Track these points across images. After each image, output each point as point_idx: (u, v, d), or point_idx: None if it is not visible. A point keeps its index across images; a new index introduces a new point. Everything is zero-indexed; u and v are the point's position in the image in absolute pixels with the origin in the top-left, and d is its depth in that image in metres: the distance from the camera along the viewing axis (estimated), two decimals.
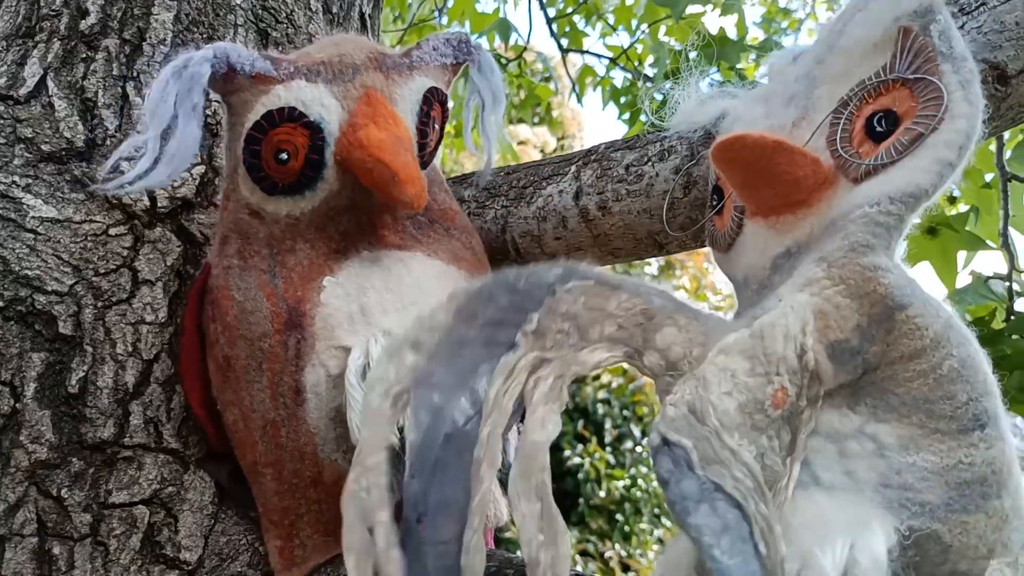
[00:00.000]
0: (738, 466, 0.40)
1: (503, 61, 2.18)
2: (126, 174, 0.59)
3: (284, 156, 0.61)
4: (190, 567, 0.66)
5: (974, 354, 0.43)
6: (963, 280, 1.03)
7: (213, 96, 0.64)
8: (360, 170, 0.60)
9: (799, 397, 0.43)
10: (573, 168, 0.74)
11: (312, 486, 0.63)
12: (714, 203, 0.61)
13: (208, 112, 0.76)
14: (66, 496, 0.65)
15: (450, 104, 0.71)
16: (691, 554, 0.42)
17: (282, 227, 0.64)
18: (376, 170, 0.59)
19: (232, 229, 0.64)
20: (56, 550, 0.64)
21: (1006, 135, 1.00)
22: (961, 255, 1.04)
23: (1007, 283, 0.96)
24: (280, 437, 0.62)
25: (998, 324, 0.95)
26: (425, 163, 0.67)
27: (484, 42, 2.26)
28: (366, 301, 0.62)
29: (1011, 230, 0.98)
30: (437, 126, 0.68)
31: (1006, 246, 0.97)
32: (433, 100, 0.67)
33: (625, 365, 0.48)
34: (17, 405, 0.65)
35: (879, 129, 0.49)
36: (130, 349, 0.68)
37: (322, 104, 0.61)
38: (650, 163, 0.70)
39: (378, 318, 0.62)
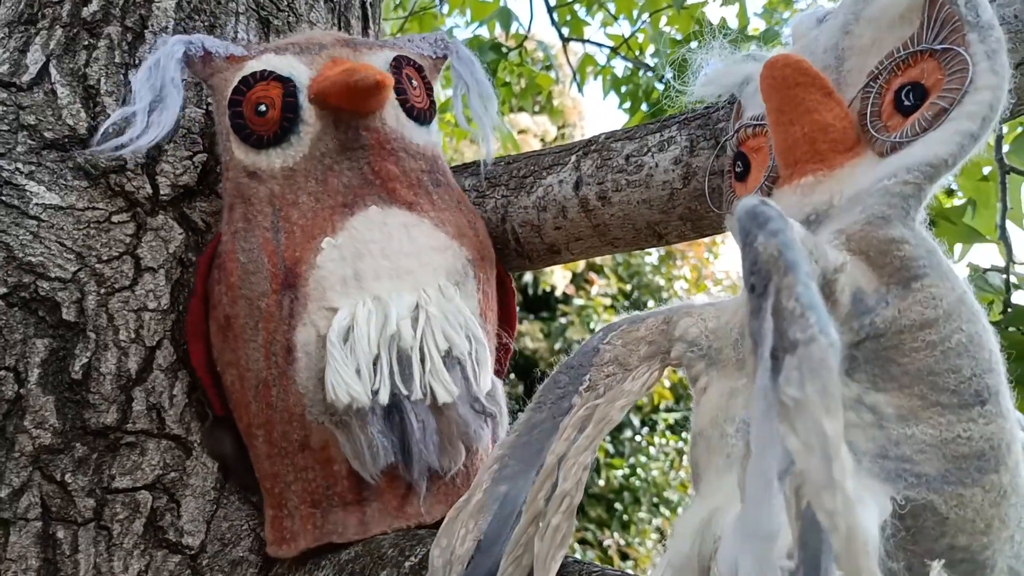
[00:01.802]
0: None
1: (504, 50, 2.18)
2: (119, 139, 0.65)
3: (263, 108, 0.66)
4: (192, 552, 0.67)
5: (982, 331, 0.44)
6: (960, 273, 1.03)
7: (196, 79, 0.71)
8: (329, 92, 0.65)
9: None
10: (573, 158, 0.74)
11: (300, 451, 0.64)
12: (737, 169, 0.60)
13: (210, 102, 0.76)
14: (70, 481, 0.65)
15: (440, 93, 0.74)
16: (698, 535, 0.43)
17: (280, 182, 0.66)
18: (340, 80, 0.64)
19: (235, 195, 0.67)
20: (60, 534, 0.65)
21: (1004, 128, 1.01)
22: (958, 248, 1.05)
23: (1004, 276, 0.97)
24: (271, 397, 0.64)
25: (995, 316, 0.95)
26: (420, 117, 0.70)
27: (484, 31, 2.25)
28: (361, 266, 0.64)
29: (1008, 223, 0.98)
30: (416, 82, 0.71)
31: (1003, 239, 0.97)
32: (403, 63, 0.71)
33: None
34: (21, 391, 0.65)
35: (907, 103, 0.49)
36: (132, 336, 0.69)
37: (291, 66, 0.67)
38: (650, 154, 0.70)
39: (370, 283, 0.64)
